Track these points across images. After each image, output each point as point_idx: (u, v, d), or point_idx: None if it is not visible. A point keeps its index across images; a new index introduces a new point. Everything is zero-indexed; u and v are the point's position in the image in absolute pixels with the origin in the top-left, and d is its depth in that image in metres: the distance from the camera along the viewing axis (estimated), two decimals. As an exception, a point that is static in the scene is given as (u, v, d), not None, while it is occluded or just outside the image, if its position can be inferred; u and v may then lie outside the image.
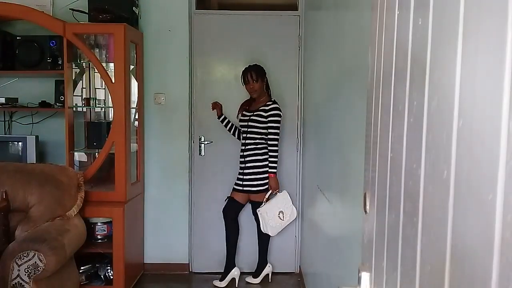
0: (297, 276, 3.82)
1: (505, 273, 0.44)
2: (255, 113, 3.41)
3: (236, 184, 3.49)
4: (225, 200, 3.53)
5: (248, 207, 3.57)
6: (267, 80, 3.48)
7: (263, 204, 3.39)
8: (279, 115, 3.39)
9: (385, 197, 0.89)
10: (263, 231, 3.43)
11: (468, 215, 0.53)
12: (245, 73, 3.42)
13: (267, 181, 3.41)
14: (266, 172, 3.40)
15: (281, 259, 3.86)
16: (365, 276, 1.03)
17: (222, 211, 3.53)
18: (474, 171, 0.52)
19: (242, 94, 3.76)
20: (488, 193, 0.47)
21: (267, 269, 3.64)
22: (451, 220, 0.57)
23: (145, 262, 3.79)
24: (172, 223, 3.79)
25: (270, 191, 3.41)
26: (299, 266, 3.85)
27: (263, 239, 3.58)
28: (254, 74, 3.38)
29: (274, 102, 3.41)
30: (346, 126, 1.98)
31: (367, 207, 1.05)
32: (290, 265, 3.89)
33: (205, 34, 3.76)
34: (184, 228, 3.81)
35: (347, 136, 1.94)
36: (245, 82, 3.42)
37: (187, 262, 3.84)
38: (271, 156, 3.38)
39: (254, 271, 3.63)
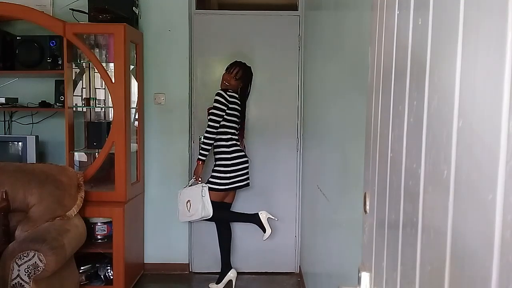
0: (297, 276, 3.82)
1: (505, 273, 0.44)
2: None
3: None
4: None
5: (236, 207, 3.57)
6: (244, 86, 3.40)
7: (185, 186, 3.39)
8: (217, 101, 3.21)
9: (385, 197, 0.89)
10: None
11: (468, 215, 0.53)
12: (234, 64, 3.34)
13: (223, 175, 3.31)
14: (233, 165, 3.31)
15: (281, 259, 3.86)
16: (365, 276, 1.03)
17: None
18: (474, 171, 0.52)
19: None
20: (488, 193, 0.47)
21: (230, 275, 3.47)
22: (451, 220, 0.57)
23: (145, 262, 3.79)
24: (172, 223, 3.78)
25: (194, 178, 3.36)
26: (299, 266, 3.85)
27: (222, 239, 3.47)
28: (240, 73, 3.31)
29: (220, 93, 3.24)
30: (346, 126, 1.98)
31: (367, 207, 1.05)
32: (290, 265, 3.89)
33: (205, 34, 3.76)
34: (184, 228, 3.81)
35: (347, 136, 1.93)
36: (228, 71, 3.32)
37: (187, 262, 3.85)
38: (202, 142, 3.27)
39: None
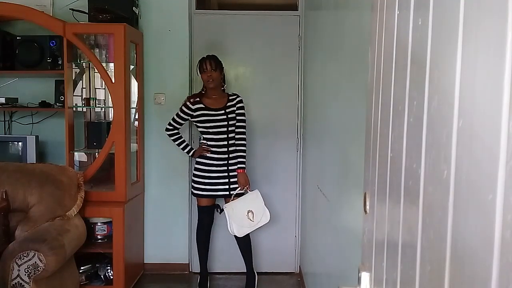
0: (297, 276, 3.82)
1: (505, 273, 0.44)
2: (228, 110, 3.27)
3: (219, 190, 3.29)
4: (220, 212, 3.37)
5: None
6: (224, 73, 3.37)
7: (231, 201, 3.25)
8: (244, 108, 3.35)
9: (385, 197, 0.89)
10: (229, 231, 3.25)
11: (468, 215, 0.53)
12: (202, 61, 3.24)
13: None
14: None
15: (281, 259, 3.86)
16: (365, 276, 1.03)
17: (202, 229, 3.42)
18: (474, 171, 0.52)
19: (242, 94, 3.76)
20: (488, 193, 0.47)
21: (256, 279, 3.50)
22: (451, 220, 0.57)
23: (145, 262, 3.79)
24: (172, 223, 3.79)
25: (239, 188, 3.26)
26: (299, 266, 3.85)
27: (245, 245, 3.38)
28: (213, 63, 3.21)
29: (238, 95, 3.35)
30: (346, 126, 1.98)
31: (367, 207, 1.05)
32: (290, 265, 3.89)
33: (205, 34, 3.76)
34: (184, 228, 3.81)
35: (347, 136, 1.94)
36: (202, 70, 3.23)
37: (187, 262, 3.85)
38: (242, 151, 3.28)
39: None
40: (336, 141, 2.23)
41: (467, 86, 0.55)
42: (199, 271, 3.50)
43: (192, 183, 3.36)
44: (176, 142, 3.36)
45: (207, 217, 3.41)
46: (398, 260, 0.80)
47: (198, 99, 3.28)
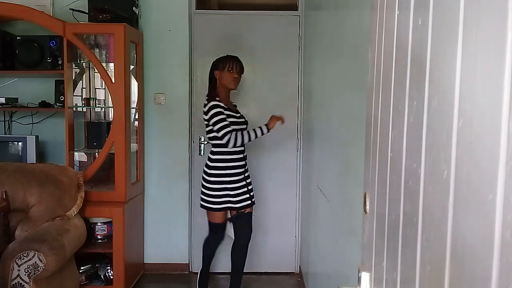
0: (297, 276, 3.82)
1: (505, 273, 0.44)
2: (242, 113, 3.16)
3: (243, 200, 3.05)
4: (231, 222, 3.18)
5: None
6: None
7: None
8: None
9: (385, 197, 0.89)
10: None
11: (468, 215, 0.53)
12: (234, 60, 3.02)
13: None
14: None
15: (281, 259, 3.86)
16: (365, 276, 1.03)
17: (215, 242, 3.25)
18: (474, 171, 0.52)
19: (242, 94, 3.76)
20: (488, 193, 0.47)
21: None
22: (451, 220, 0.57)
23: (145, 262, 3.79)
24: (172, 223, 3.79)
25: None
26: (299, 266, 3.85)
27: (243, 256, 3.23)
28: (242, 69, 3.06)
29: None
30: (346, 126, 1.98)
31: (367, 207, 1.05)
32: (290, 265, 3.89)
33: (205, 34, 3.76)
34: (184, 228, 3.81)
35: (347, 136, 1.94)
36: (229, 69, 2.98)
37: (187, 262, 3.85)
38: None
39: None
40: (336, 141, 2.23)
41: (467, 86, 0.55)
42: (198, 271, 3.50)
43: (211, 198, 3.01)
44: (246, 138, 2.94)
45: (222, 233, 3.18)
46: (398, 260, 0.80)
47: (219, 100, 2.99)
